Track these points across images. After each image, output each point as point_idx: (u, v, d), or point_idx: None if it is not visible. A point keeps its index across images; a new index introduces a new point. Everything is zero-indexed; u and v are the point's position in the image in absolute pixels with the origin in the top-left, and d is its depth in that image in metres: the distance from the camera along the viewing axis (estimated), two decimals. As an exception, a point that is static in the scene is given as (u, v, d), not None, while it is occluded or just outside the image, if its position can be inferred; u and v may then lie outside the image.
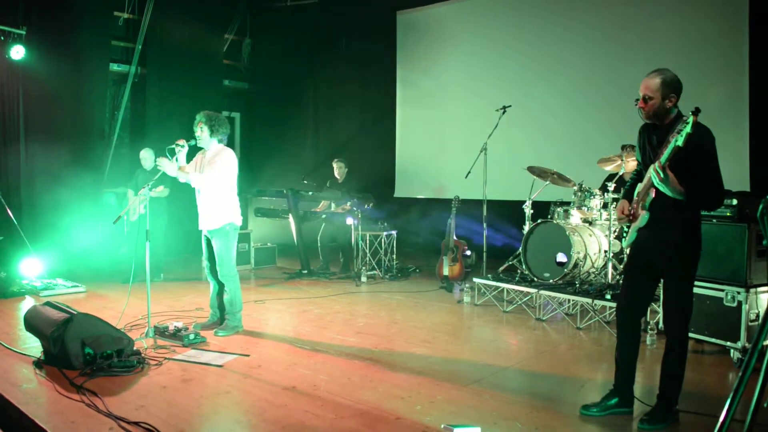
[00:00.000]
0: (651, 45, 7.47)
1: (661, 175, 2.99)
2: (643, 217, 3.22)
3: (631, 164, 5.71)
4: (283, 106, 11.58)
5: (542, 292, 5.72)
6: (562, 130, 8.39)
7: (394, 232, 8.23)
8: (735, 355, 4.25)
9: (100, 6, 9.00)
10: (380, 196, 9.24)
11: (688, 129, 2.85)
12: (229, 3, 10.95)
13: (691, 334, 4.17)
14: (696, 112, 2.85)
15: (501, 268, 6.48)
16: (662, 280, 3.45)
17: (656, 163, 3.02)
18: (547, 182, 6.39)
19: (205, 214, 4.96)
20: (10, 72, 7.93)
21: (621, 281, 4.74)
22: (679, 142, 2.89)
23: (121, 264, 7.29)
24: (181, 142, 4.85)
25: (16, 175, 8.13)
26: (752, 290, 4.17)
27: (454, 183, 8.60)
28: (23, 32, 7.85)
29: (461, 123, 9.43)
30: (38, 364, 4.08)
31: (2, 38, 7.71)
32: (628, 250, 3.59)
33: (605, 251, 5.78)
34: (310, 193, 8.09)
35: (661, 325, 4.63)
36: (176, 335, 4.68)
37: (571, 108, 8.34)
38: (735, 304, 4.19)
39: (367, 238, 8.03)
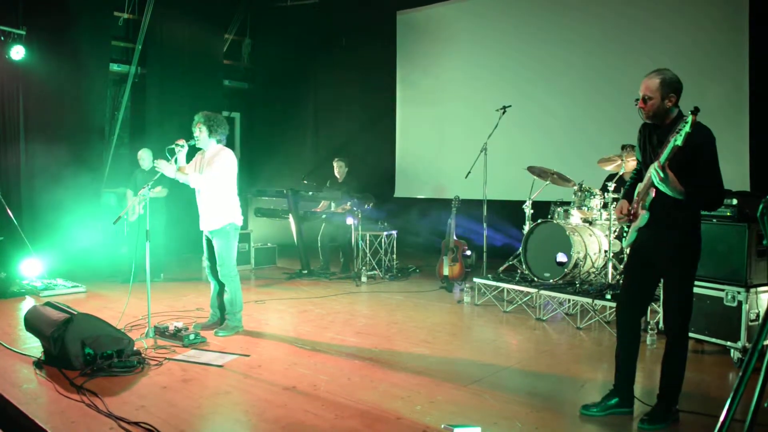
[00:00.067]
0: (651, 45, 7.47)
1: (661, 175, 2.99)
2: (643, 216, 3.22)
3: (631, 164, 5.71)
4: (283, 106, 11.59)
5: (542, 292, 5.72)
6: (562, 130, 8.39)
7: (394, 232, 8.23)
8: (735, 355, 4.25)
9: (100, 6, 9.00)
10: (380, 196, 9.24)
11: (687, 128, 2.86)
12: (229, 3, 10.95)
13: (691, 334, 4.17)
14: (695, 111, 2.86)
15: (501, 268, 6.48)
16: (662, 280, 3.45)
17: (656, 163, 3.03)
18: (547, 182, 6.39)
19: (205, 215, 4.96)
20: (10, 72, 7.94)
21: (621, 281, 4.74)
22: (679, 142, 2.89)
23: (121, 264, 7.29)
24: (181, 142, 4.85)
25: (16, 175, 8.14)
26: (752, 290, 4.17)
27: (454, 183, 8.60)
28: (23, 32, 7.85)
29: (461, 123, 9.43)
30: (38, 364, 4.08)
31: (2, 38, 7.71)
32: (628, 250, 3.59)
33: (605, 251, 5.78)
34: (310, 193, 8.09)
35: (661, 325, 4.63)
36: (176, 335, 4.68)
37: (571, 108, 8.34)
38: (735, 304, 4.19)
39: (367, 238, 8.03)
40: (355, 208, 7.80)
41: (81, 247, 8.30)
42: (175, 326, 4.77)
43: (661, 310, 4.64)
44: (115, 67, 9.56)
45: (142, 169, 7.34)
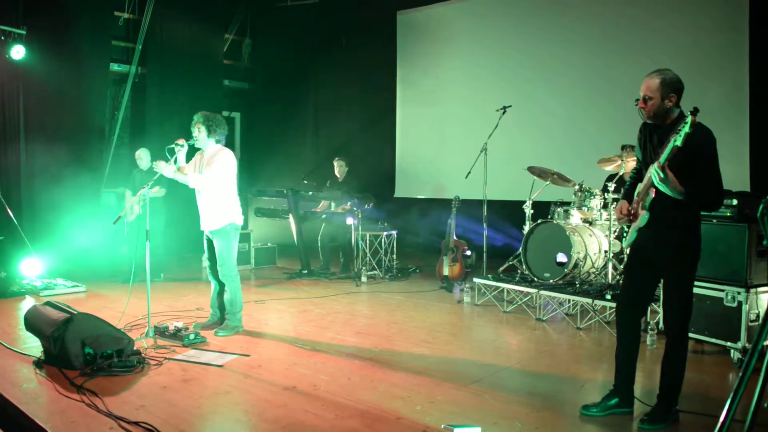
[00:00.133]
0: (651, 45, 7.47)
1: (661, 175, 2.99)
2: (643, 216, 3.22)
3: (631, 164, 5.71)
4: (283, 106, 11.59)
5: (542, 292, 5.72)
6: (562, 130, 8.39)
7: (394, 232, 8.23)
8: (735, 355, 4.25)
9: (100, 6, 9.00)
10: (380, 196, 9.24)
11: (686, 129, 2.86)
12: (229, 3, 10.95)
13: (691, 334, 4.17)
14: (695, 112, 2.86)
15: (501, 268, 6.48)
16: (662, 280, 3.45)
17: (656, 163, 3.03)
18: (547, 182, 6.39)
19: (205, 215, 4.96)
20: (10, 72, 7.94)
21: (621, 281, 4.74)
22: (678, 142, 2.89)
23: (121, 264, 7.29)
24: (181, 141, 4.85)
25: (16, 175, 8.14)
26: (752, 290, 4.17)
27: (454, 183, 8.60)
28: (23, 32, 7.86)
29: (461, 123, 9.43)
30: (38, 363, 4.08)
31: (2, 38, 7.71)
32: (628, 250, 3.59)
33: (605, 251, 5.78)
34: (310, 193, 8.09)
35: (661, 325, 4.63)
36: (176, 335, 4.68)
37: (571, 108, 8.34)
38: (735, 305, 4.19)
39: (367, 238, 8.03)
40: (355, 208, 7.80)
41: (81, 246, 8.30)
42: (175, 326, 4.77)
43: (661, 310, 4.64)
44: (115, 67, 9.56)
45: (140, 169, 7.34)
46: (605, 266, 5.70)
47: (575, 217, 6.20)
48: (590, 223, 6.19)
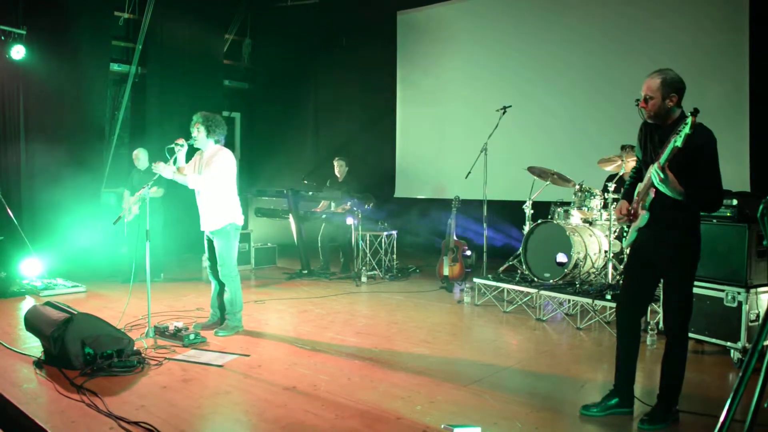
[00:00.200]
0: (651, 45, 7.47)
1: (661, 176, 2.99)
2: (643, 216, 3.22)
3: (631, 164, 5.71)
4: (283, 106, 11.58)
5: (542, 292, 5.72)
6: (562, 131, 8.39)
7: (394, 232, 8.23)
8: (735, 355, 4.25)
9: (100, 6, 9.00)
10: (380, 196, 9.25)
11: (686, 130, 2.86)
12: (229, 3, 10.95)
13: (691, 334, 4.17)
14: (695, 113, 2.86)
15: (501, 269, 6.48)
16: (662, 280, 3.45)
17: (656, 164, 3.03)
18: (548, 182, 6.39)
19: (205, 215, 4.96)
20: (11, 72, 7.94)
21: (621, 281, 4.74)
22: (678, 143, 2.89)
23: (121, 264, 7.29)
24: (181, 141, 4.85)
25: (16, 175, 8.14)
26: (752, 290, 4.17)
27: (454, 183, 8.60)
28: (24, 32, 7.86)
29: (461, 123, 9.43)
30: (38, 363, 4.08)
31: (2, 38, 7.71)
32: (628, 250, 3.59)
33: (605, 251, 5.78)
34: (310, 193, 8.09)
35: (661, 325, 4.63)
36: (176, 335, 4.68)
37: (571, 108, 8.34)
38: (735, 305, 4.19)
39: (367, 238, 8.03)
40: (355, 208, 7.80)
41: (81, 246, 8.30)
42: (175, 326, 4.77)
43: (661, 310, 4.64)
44: (115, 67, 9.56)
45: (138, 169, 7.34)
46: (605, 266, 5.70)
47: (575, 217, 6.20)
48: (590, 223, 6.19)
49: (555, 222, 6.01)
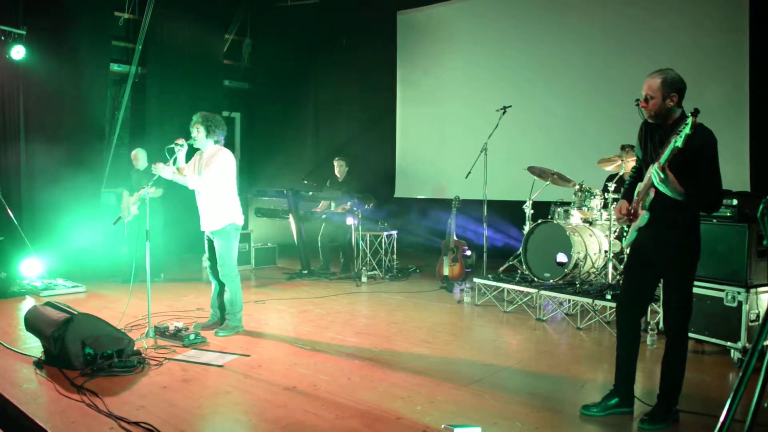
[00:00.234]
0: (651, 45, 7.47)
1: (661, 176, 2.99)
2: (643, 216, 3.22)
3: (631, 164, 5.70)
4: (283, 106, 11.58)
5: (542, 292, 5.72)
6: (562, 130, 8.39)
7: (394, 232, 8.23)
8: (735, 355, 4.25)
9: (100, 6, 9.01)
10: (380, 196, 9.24)
11: (687, 130, 2.85)
12: (229, 3, 10.95)
13: (691, 334, 4.17)
14: (695, 113, 2.86)
15: (501, 269, 6.48)
16: (662, 280, 3.45)
17: (656, 164, 3.03)
18: (548, 182, 6.39)
19: (205, 216, 4.96)
20: (11, 72, 7.94)
21: (621, 281, 4.74)
22: (679, 143, 2.89)
23: (121, 264, 7.29)
24: (181, 141, 4.84)
25: (16, 175, 8.14)
26: (752, 290, 4.17)
27: (454, 183, 8.60)
28: (23, 32, 7.86)
29: (461, 123, 9.43)
30: (38, 364, 4.08)
31: (2, 38, 7.72)
32: (628, 250, 3.59)
33: (605, 251, 5.78)
34: (310, 193, 8.09)
35: (661, 325, 4.63)
36: (176, 335, 4.68)
37: (571, 108, 8.34)
38: (735, 305, 4.19)
39: (368, 238, 8.03)
40: (355, 208, 7.80)
41: (81, 247, 8.30)
42: (176, 326, 4.77)
43: (661, 310, 4.64)
44: (115, 67, 9.56)
45: (137, 169, 7.34)
46: (605, 266, 5.70)
47: (575, 217, 6.20)
48: (590, 223, 6.19)
49: (555, 222, 6.01)
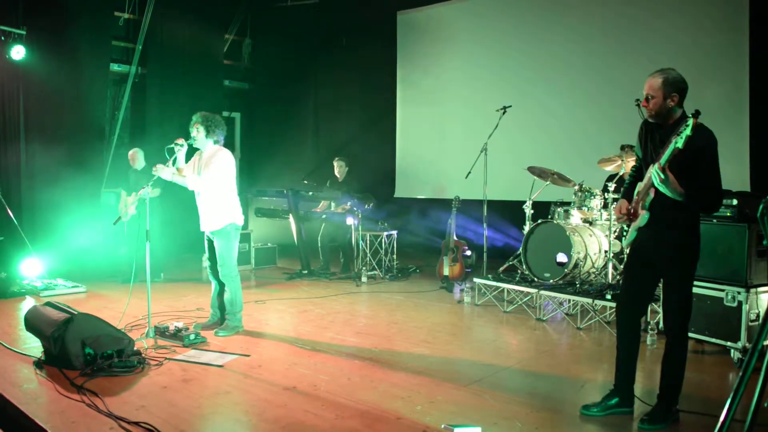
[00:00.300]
0: (651, 45, 7.47)
1: (662, 176, 2.99)
2: (643, 216, 3.22)
3: (630, 164, 5.70)
4: (283, 106, 11.58)
5: (542, 292, 5.72)
6: (562, 130, 8.39)
7: (394, 232, 8.23)
8: (735, 355, 4.25)
9: (100, 6, 9.00)
10: (380, 196, 9.24)
11: (687, 132, 2.85)
12: (229, 3, 10.95)
13: (691, 334, 4.17)
14: (696, 114, 2.85)
15: (501, 269, 6.48)
16: (662, 280, 3.45)
17: (657, 165, 3.02)
18: (548, 182, 6.39)
19: (205, 216, 4.95)
20: (10, 72, 7.94)
21: (621, 281, 4.74)
22: (679, 144, 2.89)
23: (121, 264, 7.29)
24: (180, 141, 4.83)
25: (16, 175, 8.14)
26: (752, 290, 4.18)
27: (454, 183, 8.60)
28: (23, 32, 7.85)
29: (462, 123, 9.43)
30: (38, 364, 4.08)
31: (2, 38, 7.71)
32: (627, 249, 3.59)
33: (605, 251, 5.78)
34: (311, 193, 8.09)
35: (661, 325, 4.63)
36: (177, 335, 4.68)
37: (572, 108, 8.33)
38: (735, 304, 4.19)
39: (368, 238, 8.03)
40: (355, 208, 7.80)
41: (81, 247, 8.29)
42: (176, 326, 4.77)
43: (661, 310, 4.63)
44: (115, 67, 9.56)
45: (135, 170, 7.33)
46: (605, 266, 5.70)
47: (575, 217, 6.20)
48: (590, 223, 6.19)
49: (555, 222, 6.01)
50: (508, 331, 5.30)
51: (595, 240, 5.94)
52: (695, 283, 3.48)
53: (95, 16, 8.87)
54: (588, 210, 6.12)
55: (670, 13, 7.44)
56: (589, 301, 5.29)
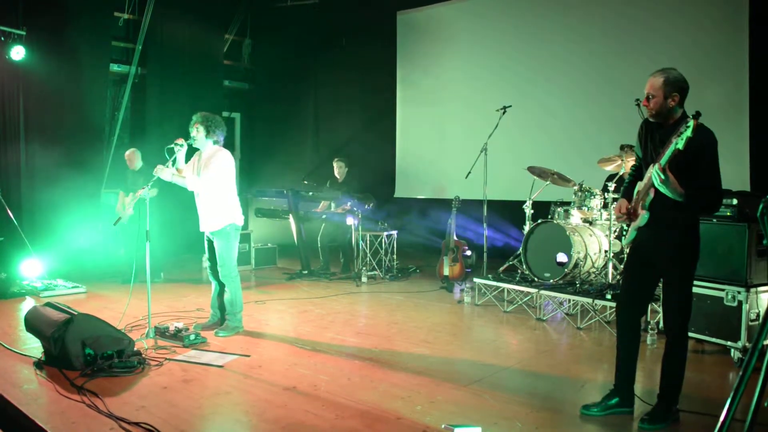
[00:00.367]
0: (651, 45, 7.47)
1: (662, 177, 2.98)
2: (643, 216, 3.22)
3: (630, 164, 5.69)
4: (283, 106, 11.59)
5: (542, 292, 5.72)
6: (562, 130, 8.39)
7: (394, 232, 8.23)
8: (735, 354, 4.25)
9: (100, 6, 9.01)
10: (380, 196, 9.24)
11: (688, 133, 2.84)
12: (229, 3, 10.96)
13: (691, 334, 4.17)
14: (697, 116, 2.85)
15: (501, 268, 6.48)
16: (662, 280, 3.45)
17: (657, 165, 3.02)
18: (548, 182, 6.39)
19: (205, 216, 4.95)
20: (10, 72, 7.94)
21: (621, 281, 4.74)
22: (680, 146, 2.88)
23: (121, 265, 7.28)
24: (180, 141, 4.83)
25: (16, 175, 8.14)
26: (752, 290, 4.18)
27: (454, 183, 8.60)
28: (23, 33, 7.85)
29: (461, 123, 9.43)
30: (39, 364, 4.08)
31: (2, 38, 7.71)
32: (627, 249, 3.58)
33: (605, 251, 5.78)
34: (311, 193, 8.09)
35: (661, 324, 4.63)
36: (177, 336, 4.68)
37: (572, 108, 8.33)
38: (735, 304, 4.19)
39: (368, 238, 8.03)
40: (355, 209, 7.80)
41: (81, 247, 8.29)
42: (176, 327, 4.77)
43: (661, 309, 4.63)
44: (115, 67, 9.56)
45: (132, 170, 7.33)
46: (605, 266, 5.69)
47: (575, 217, 6.20)
48: (590, 223, 6.19)
49: (555, 222, 6.01)
50: (508, 331, 5.30)
51: (595, 240, 5.94)
52: (695, 282, 3.48)
53: (95, 16, 8.87)
54: (588, 210, 6.12)
55: (670, 13, 7.44)
56: (589, 300, 5.29)
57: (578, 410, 3.39)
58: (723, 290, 4.26)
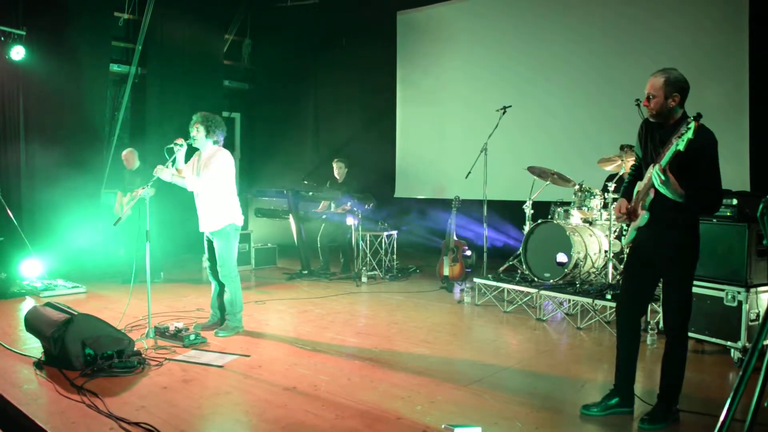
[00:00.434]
0: (651, 45, 7.47)
1: (662, 178, 2.98)
2: (643, 216, 3.22)
3: (630, 164, 5.70)
4: (283, 106, 11.59)
5: (542, 292, 5.72)
6: (562, 130, 8.39)
7: (394, 233, 8.23)
8: (735, 354, 4.25)
9: (100, 6, 9.01)
10: (380, 196, 9.24)
11: (689, 135, 2.84)
12: (229, 3, 10.96)
13: (691, 334, 4.17)
14: (698, 117, 2.84)
15: (501, 269, 6.48)
16: (662, 280, 3.45)
17: (657, 165, 3.02)
18: (548, 182, 6.39)
19: (204, 216, 4.95)
20: (10, 72, 7.94)
21: (621, 281, 4.74)
22: (680, 147, 2.88)
23: (121, 265, 7.28)
24: (180, 141, 4.83)
25: (16, 175, 8.14)
26: (752, 290, 4.18)
27: (454, 183, 8.60)
28: (23, 33, 7.85)
29: (461, 123, 9.43)
30: (39, 364, 4.08)
31: (2, 38, 7.71)
32: (627, 249, 3.58)
33: (605, 251, 5.78)
34: (311, 193, 8.09)
35: (661, 324, 4.63)
36: (177, 336, 4.68)
37: (572, 108, 8.33)
38: (735, 304, 4.19)
39: (368, 238, 8.03)
40: (355, 209, 7.80)
41: (81, 247, 8.29)
42: (176, 327, 4.77)
43: (661, 309, 4.63)
44: (115, 67, 9.57)
45: (129, 170, 7.33)
46: (605, 266, 5.70)
47: (575, 217, 6.20)
48: (590, 223, 6.19)
49: (555, 222, 6.01)
50: (508, 331, 5.30)
51: (595, 240, 5.94)
52: (695, 282, 3.48)
53: (95, 17, 8.87)
54: (588, 210, 6.12)
55: (670, 13, 7.44)
56: (589, 301, 5.29)
57: (578, 410, 3.39)
58: (723, 290, 4.26)
